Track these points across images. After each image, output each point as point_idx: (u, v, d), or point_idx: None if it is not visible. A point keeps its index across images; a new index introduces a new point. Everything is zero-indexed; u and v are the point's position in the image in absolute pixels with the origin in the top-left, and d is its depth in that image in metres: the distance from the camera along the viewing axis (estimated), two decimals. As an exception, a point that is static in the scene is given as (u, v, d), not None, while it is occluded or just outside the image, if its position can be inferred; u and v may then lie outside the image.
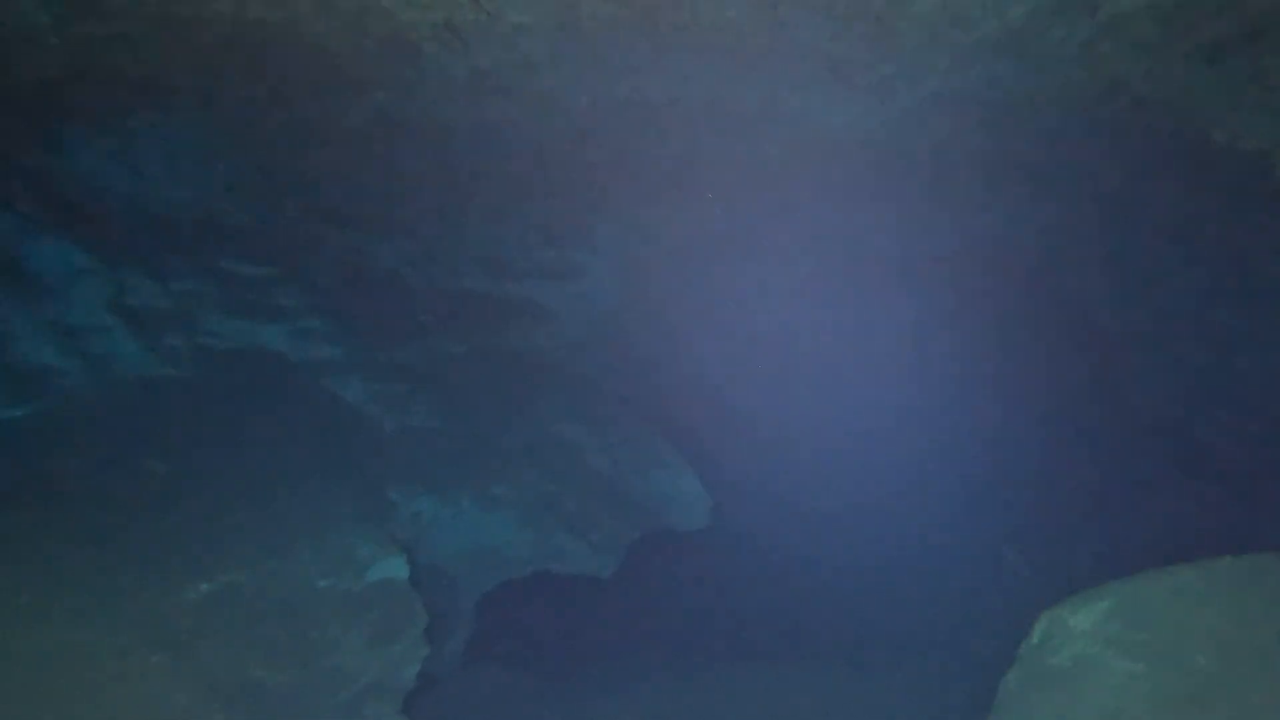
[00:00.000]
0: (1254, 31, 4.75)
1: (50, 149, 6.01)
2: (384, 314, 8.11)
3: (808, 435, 12.33)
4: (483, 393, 8.34)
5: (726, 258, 10.60)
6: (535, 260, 10.25)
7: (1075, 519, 9.83)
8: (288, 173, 7.15)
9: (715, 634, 9.41)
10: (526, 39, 5.84)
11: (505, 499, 7.65)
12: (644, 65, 6.28)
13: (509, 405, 8.51)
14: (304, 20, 4.97)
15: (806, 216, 9.66)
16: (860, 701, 7.10)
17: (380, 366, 7.70)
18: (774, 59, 6.03)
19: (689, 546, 9.85)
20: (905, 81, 6.21)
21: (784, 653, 8.57)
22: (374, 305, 8.01)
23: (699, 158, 8.28)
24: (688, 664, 8.57)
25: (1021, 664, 4.48)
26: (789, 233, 10.14)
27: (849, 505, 11.81)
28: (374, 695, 4.97)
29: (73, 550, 4.66)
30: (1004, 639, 5.38)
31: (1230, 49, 4.96)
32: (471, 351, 8.99)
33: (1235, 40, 4.88)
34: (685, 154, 8.18)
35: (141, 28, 4.77)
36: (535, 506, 7.83)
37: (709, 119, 7.33)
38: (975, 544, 10.46)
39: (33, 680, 4.00)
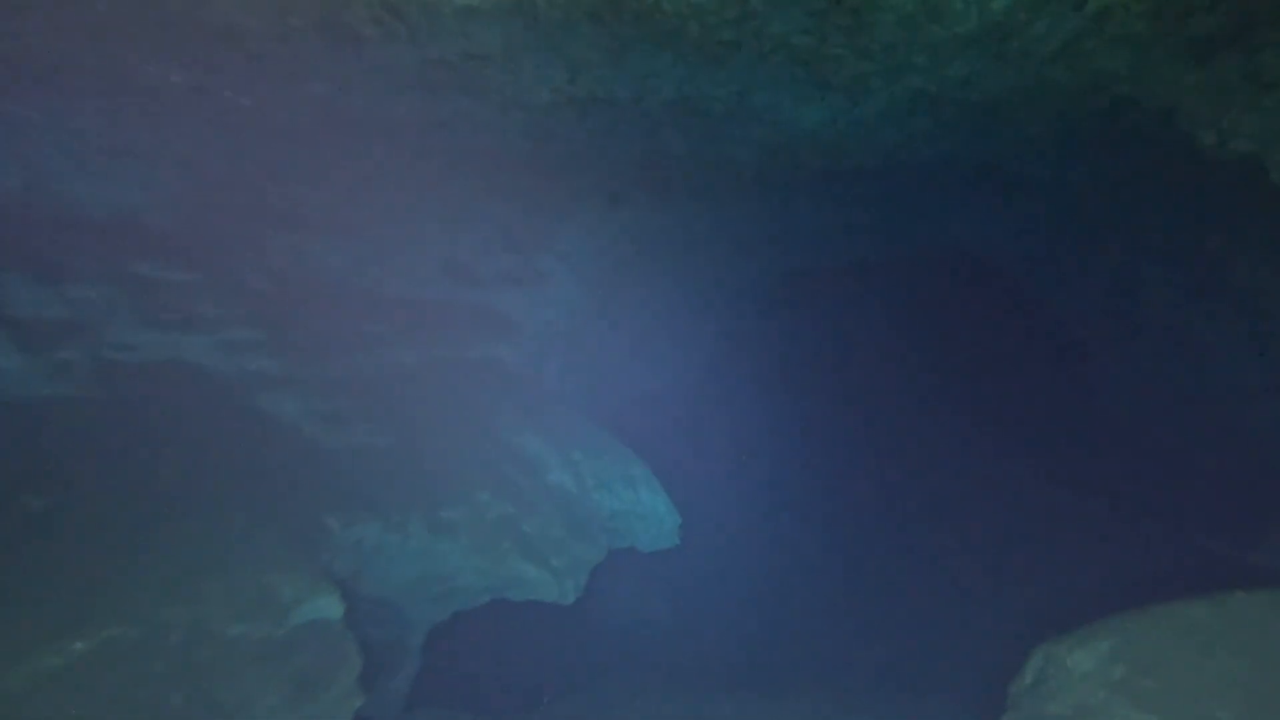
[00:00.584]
0: (1248, 26, 4.51)
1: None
2: (327, 323, 7.50)
3: (773, 447, 12.01)
4: (434, 407, 7.76)
5: (692, 261, 10.26)
6: (497, 266, 9.75)
7: (1058, 542, 9.59)
8: (216, 169, 6.54)
9: (687, 663, 8.92)
10: (477, 26, 5.39)
11: (457, 523, 7.06)
12: (606, 59, 5.87)
13: (463, 420, 7.94)
14: (216, -7, 4.43)
15: (774, 220, 9.36)
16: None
17: (320, 381, 7.08)
18: (743, 54, 5.68)
19: (657, 568, 9.37)
20: (881, 79, 5.92)
21: (761, 686, 8.11)
22: (315, 313, 7.41)
23: (666, 160, 7.91)
24: (657, 697, 8.07)
25: (1016, 709, 4.09)
26: (755, 236, 9.83)
27: (816, 527, 11.47)
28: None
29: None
30: (992, 675, 5.00)
31: (1222, 45, 4.73)
32: (424, 363, 8.42)
33: (1227, 36, 4.65)
34: (651, 155, 7.80)
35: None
36: (490, 530, 7.25)
37: (675, 118, 6.97)
38: (955, 570, 10.16)
39: None
